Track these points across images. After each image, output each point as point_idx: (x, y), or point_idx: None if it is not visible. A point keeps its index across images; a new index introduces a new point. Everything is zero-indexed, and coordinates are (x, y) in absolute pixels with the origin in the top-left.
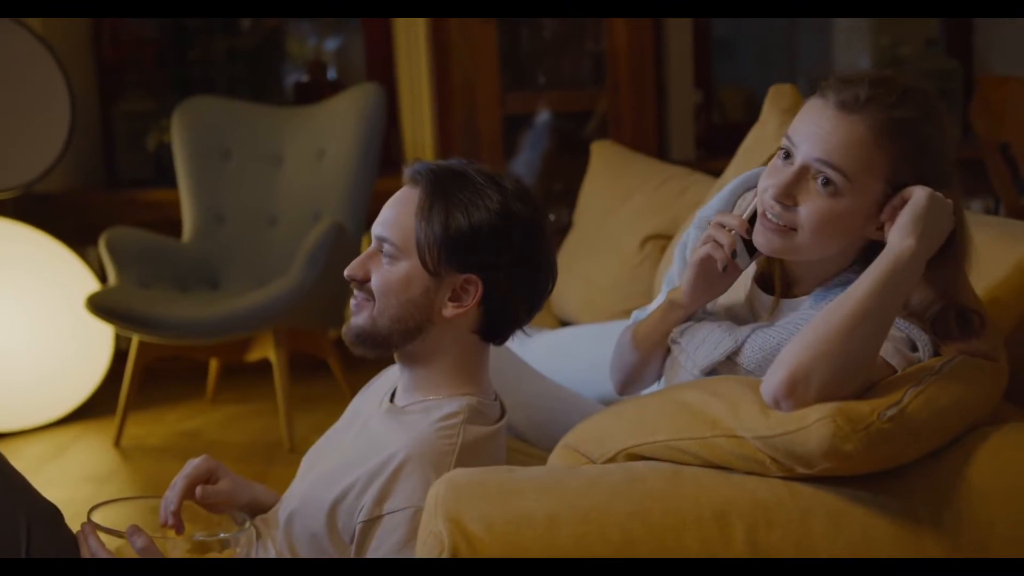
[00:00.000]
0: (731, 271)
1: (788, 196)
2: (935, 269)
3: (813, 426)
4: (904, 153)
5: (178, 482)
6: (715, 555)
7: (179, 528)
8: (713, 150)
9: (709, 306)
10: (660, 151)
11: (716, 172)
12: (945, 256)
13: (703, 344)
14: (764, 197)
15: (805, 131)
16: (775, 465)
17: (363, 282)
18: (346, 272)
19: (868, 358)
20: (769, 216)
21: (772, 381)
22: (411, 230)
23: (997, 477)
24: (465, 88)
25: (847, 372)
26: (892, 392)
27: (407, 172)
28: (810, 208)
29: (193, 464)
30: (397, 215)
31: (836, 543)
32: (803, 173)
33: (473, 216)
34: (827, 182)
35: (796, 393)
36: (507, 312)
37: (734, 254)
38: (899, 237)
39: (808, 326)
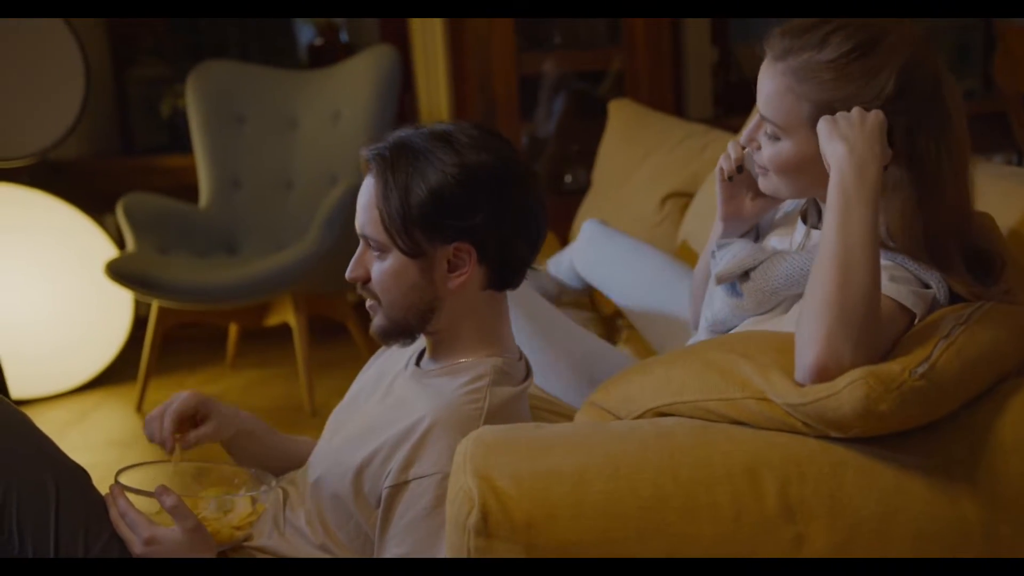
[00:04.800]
0: (748, 185)
1: (752, 141)
2: (923, 203)
3: (845, 390)
4: (824, 92)
5: (167, 418)
6: (747, 510)
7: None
8: (730, 108)
9: (765, 224)
10: (677, 110)
11: (734, 129)
12: (924, 185)
13: (729, 257)
14: None
15: (758, 84)
16: (807, 428)
17: (365, 282)
18: (347, 276)
19: (874, 291)
20: (754, 159)
21: (802, 367)
22: (379, 220)
23: None
24: (480, 49)
25: (864, 322)
26: (921, 347)
27: (361, 159)
28: (764, 153)
29: (181, 397)
30: (367, 209)
31: (869, 497)
32: (761, 122)
33: (429, 185)
34: (769, 130)
35: (829, 374)
36: (509, 259)
37: (740, 168)
38: (829, 151)
39: (806, 294)
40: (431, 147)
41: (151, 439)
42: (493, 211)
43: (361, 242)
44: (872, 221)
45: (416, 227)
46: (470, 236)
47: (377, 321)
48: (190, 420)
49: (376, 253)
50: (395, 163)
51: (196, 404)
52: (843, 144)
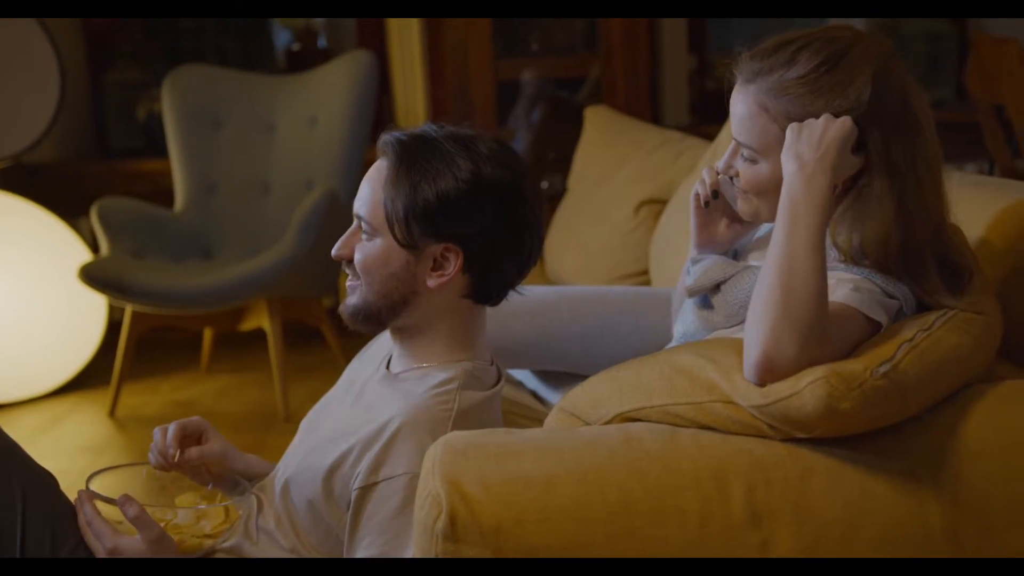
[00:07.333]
0: (723, 211)
1: (729, 168)
2: (902, 216)
3: (807, 389)
4: (798, 108)
5: (170, 427)
6: (713, 515)
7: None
8: (707, 116)
9: (743, 247)
10: (653, 117)
11: (710, 137)
12: (904, 196)
13: (701, 271)
14: None
15: (730, 109)
16: (772, 431)
17: (349, 261)
18: (332, 252)
19: (820, 294)
20: (733, 184)
21: (748, 366)
22: (381, 205)
23: (993, 434)
24: (457, 55)
25: (809, 319)
26: (884, 349)
27: (378, 143)
28: (742, 177)
29: (183, 420)
30: (370, 191)
31: (835, 502)
32: (737, 148)
33: (439, 185)
34: (746, 153)
35: (776, 370)
36: (494, 275)
37: (715, 194)
38: (784, 166)
39: (753, 296)
40: (453, 150)
41: (153, 453)
42: (492, 225)
43: (355, 221)
44: (818, 225)
45: (412, 221)
46: (462, 241)
47: (351, 300)
48: (193, 438)
49: (365, 235)
50: (413, 155)
51: (199, 426)
52: (795, 162)
